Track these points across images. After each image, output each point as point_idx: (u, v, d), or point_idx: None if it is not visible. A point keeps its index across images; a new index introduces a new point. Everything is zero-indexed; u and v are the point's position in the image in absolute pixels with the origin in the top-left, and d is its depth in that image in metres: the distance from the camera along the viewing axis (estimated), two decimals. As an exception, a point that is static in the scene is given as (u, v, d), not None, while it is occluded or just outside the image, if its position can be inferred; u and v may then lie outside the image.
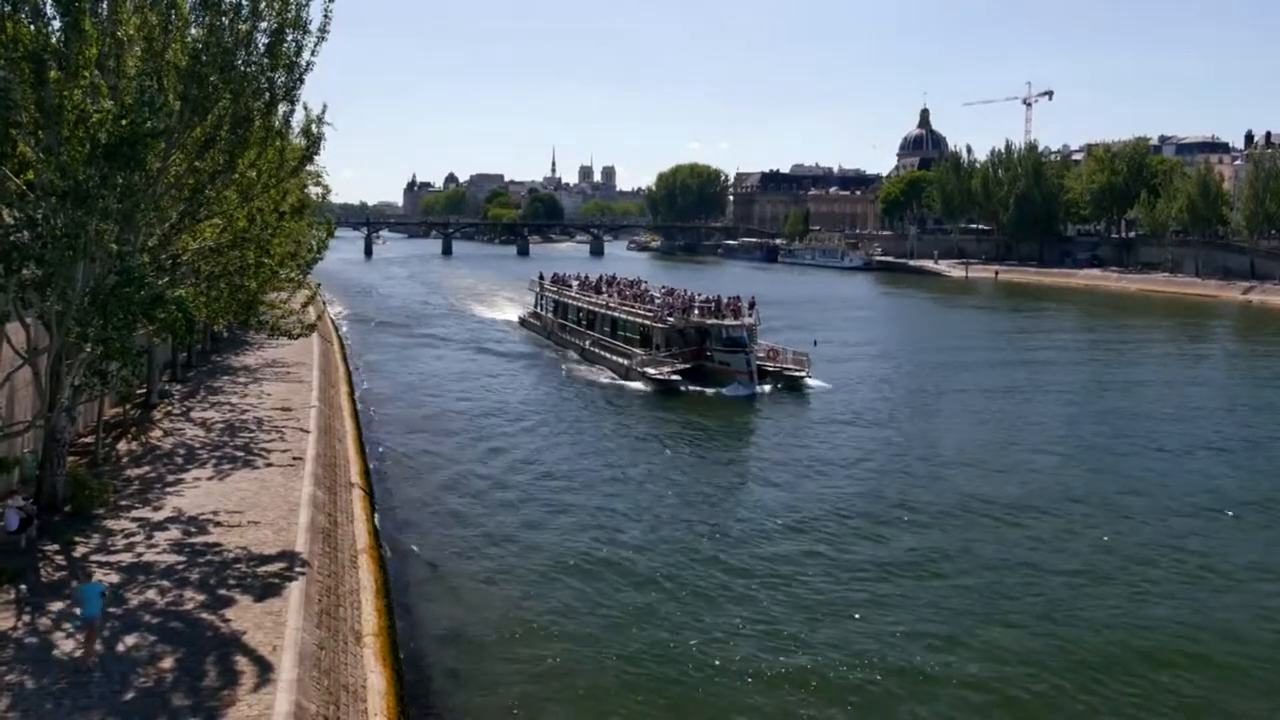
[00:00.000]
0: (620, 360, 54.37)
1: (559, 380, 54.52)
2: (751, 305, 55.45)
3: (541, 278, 76.98)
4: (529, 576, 24.39)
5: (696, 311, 54.25)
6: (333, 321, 71.27)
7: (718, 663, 19.87)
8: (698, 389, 48.64)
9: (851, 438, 40.18)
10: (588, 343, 61.14)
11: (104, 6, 21.36)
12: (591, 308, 64.17)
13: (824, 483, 33.19)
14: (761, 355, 51.61)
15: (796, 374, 50.94)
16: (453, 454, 36.60)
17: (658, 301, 58.87)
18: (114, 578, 18.66)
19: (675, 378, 49.38)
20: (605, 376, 53.86)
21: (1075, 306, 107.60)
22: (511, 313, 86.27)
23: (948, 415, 46.13)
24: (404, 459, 35.97)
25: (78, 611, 15.85)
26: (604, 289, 67.99)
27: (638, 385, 50.41)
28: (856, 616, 22.13)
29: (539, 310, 76.35)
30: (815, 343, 59.54)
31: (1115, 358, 67.08)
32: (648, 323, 54.79)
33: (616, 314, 59.70)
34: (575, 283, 73.06)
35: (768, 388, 49.24)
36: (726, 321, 52.48)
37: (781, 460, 36.41)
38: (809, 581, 24.16)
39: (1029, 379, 55.91)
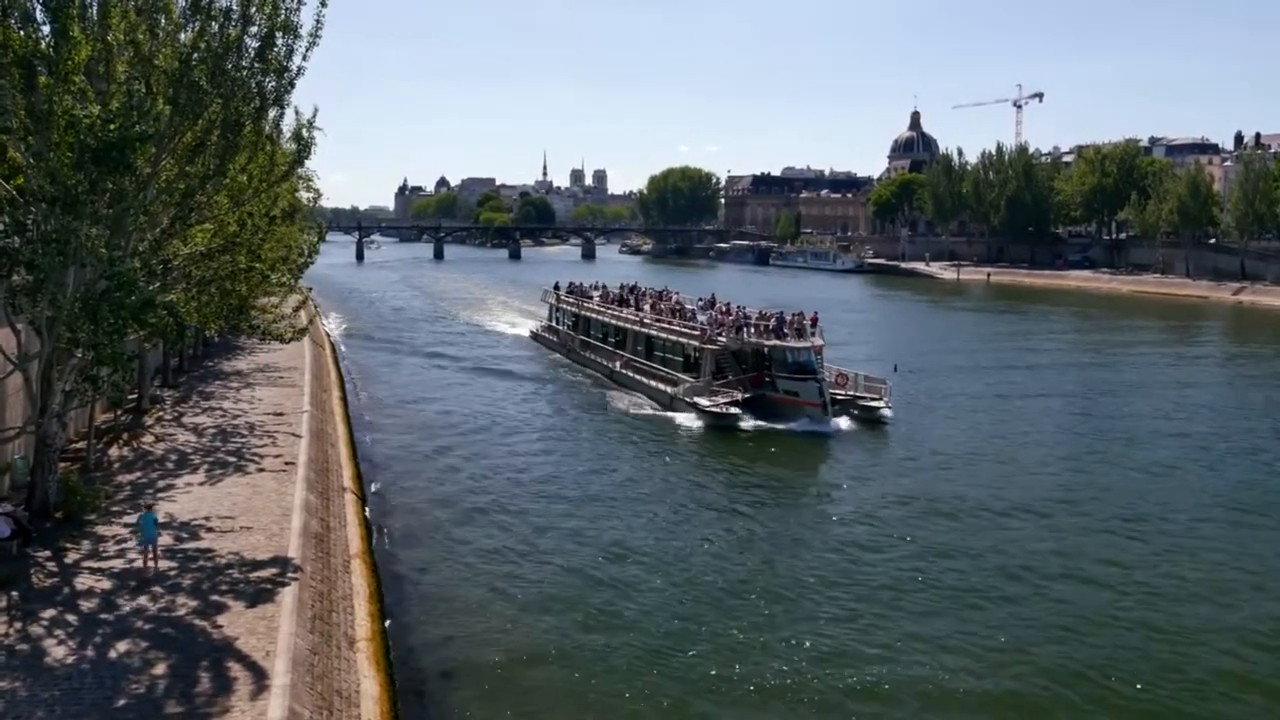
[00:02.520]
0: (660, 386, 46.99)
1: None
2: (814, 322, 46.38)
3: (557, 287, 69.10)
4: (525, 582, 24.30)
5: (751, 330, 46.04)
6: (329, 336, 70.36)
7: (723, 674, 19.81)
8: (759, 424, 41.45)
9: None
10: (617, 364, 53.60)
11: (93, 12, 21.29)
12: (620, 324, 56.17)
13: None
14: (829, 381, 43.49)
15: (872, 404, 43.62)
16: (450, 462, 36.12)
17: (701, 318, 50.38)
18: (105, 584, 18.64)
19: (734, 410, 42.01)
20: (641, 404, 46.77)
21: (1070, 309, 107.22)
22: (507, 317, 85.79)
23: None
24: (397, 464, 35.87)
25: (135, 538, 20.16)
26: (629, 300, 60.07)
27: (685, 418, 43.01)
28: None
29: (554, 324, 68.46)
30: (895, 368, 50.13)
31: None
32: (694, 343, 46.67)
33: (652, 331, 51.65)
34: (596, 294, 65.16)
35: (845, 422, 42.04)
36: (791, 343, 43.89)
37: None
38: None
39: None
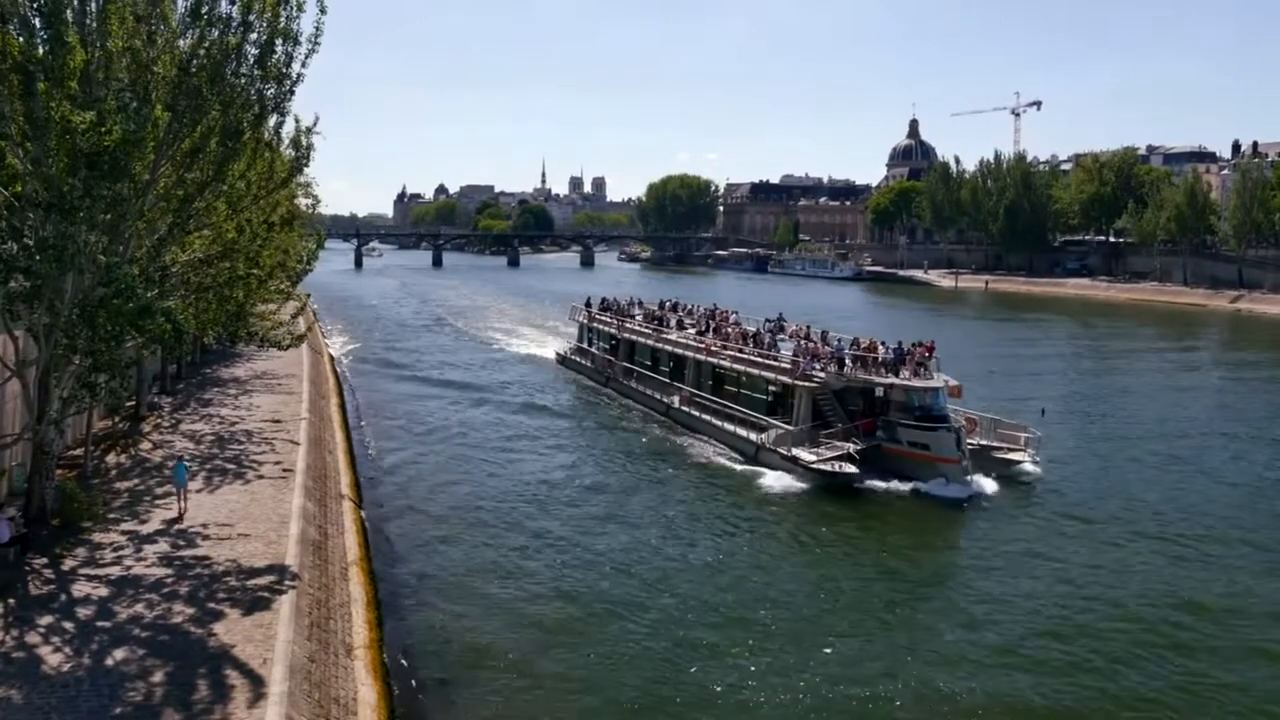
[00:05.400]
0: (740, 432, 38.42)
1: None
2: (930, 352, 37.21)
3: (589, 304, 60.48)
4: (522, 588, 24.28)
5: (852, 363, 37.53)
6: (332, 358, 69.26)
7: (711, 672, 19.77)
8: (877, 483, 33.37)
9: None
10: (676, 400, 44.80)
11: (91, 21, 21.29)
12: (677, 350, 47.02)
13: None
14: None
15: (1012, 457, 35.07)
16: (453, 473, 35.84)
17: (784, 347, 40.72)
18: (103, 591, 18.60)
19: (849, 468, 33.30)
20: (711, 451, 38.77)
21: (1076, 317, 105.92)
22: (507, 325, 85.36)
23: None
24: (397, 472, 35.76)
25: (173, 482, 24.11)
26: (679, 320, 51.85)
27: (778, 474, 34.42)
28: None
29: (586, 346, 59.46)
30: (1043, 413, 40.82)
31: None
32: (783, 378, 37.89)
33: (723, 362, 42.50)
34: (639, 312, 56.36)
35: (989, 483, 33.23)
36: (915, 381, 35.31)
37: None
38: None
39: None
